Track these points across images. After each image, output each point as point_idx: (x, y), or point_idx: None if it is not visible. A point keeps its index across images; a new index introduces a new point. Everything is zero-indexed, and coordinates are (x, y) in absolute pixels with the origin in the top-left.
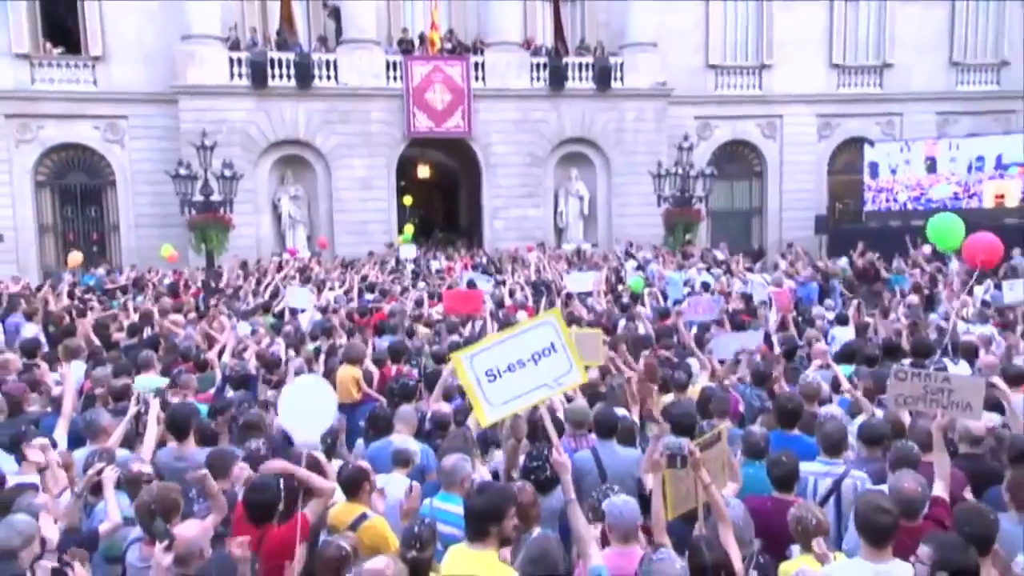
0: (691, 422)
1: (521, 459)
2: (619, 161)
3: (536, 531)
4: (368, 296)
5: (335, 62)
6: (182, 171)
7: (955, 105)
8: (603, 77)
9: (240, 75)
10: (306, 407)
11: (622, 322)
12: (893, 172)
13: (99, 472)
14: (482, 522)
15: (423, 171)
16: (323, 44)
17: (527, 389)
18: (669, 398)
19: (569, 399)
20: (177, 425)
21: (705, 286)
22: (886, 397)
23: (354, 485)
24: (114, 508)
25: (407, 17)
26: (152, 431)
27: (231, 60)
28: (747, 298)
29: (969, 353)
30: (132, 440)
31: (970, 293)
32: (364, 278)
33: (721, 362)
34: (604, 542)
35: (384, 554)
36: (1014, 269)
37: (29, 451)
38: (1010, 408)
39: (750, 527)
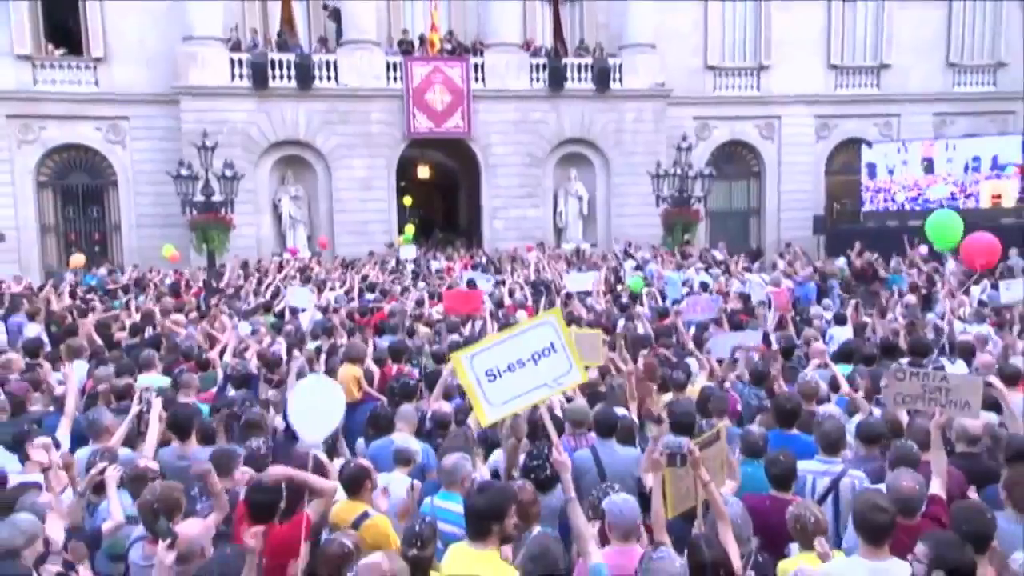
0: (691, 421)
1: (521, 458)
2: (618, 161)
3: (536, 529)
4: (368, 296)
5: (335, 63)
6: (183, 171)
7: (952, 106)
8: (602, 78)
9: (241, 76)
10: (315, 407)
11: (621, 322)
12: (891, 173)
13: (102, 471)
14: (483, 521)
15: (423, 171)
16: (323, 45)
17: (527, 389)
18: (668, 397)
19: (569, 399)
20: (179, 424)
21: (704, 286)
22: (884, 396)
23: (356, 483)
24: (117, 507)
25: (407, 18)
26: (154, 430)
27: (232, 61)
28: (745, 298)
29: (966, 352)
30: (134, 440)
31: (967, 293)
32: (364, 278)
33: (719, 361)
34: (604, 540)
35: (384, 550)
36: (1010, 269)
37: (32, 451)
38: (1007, 407)
39: (748, 525)
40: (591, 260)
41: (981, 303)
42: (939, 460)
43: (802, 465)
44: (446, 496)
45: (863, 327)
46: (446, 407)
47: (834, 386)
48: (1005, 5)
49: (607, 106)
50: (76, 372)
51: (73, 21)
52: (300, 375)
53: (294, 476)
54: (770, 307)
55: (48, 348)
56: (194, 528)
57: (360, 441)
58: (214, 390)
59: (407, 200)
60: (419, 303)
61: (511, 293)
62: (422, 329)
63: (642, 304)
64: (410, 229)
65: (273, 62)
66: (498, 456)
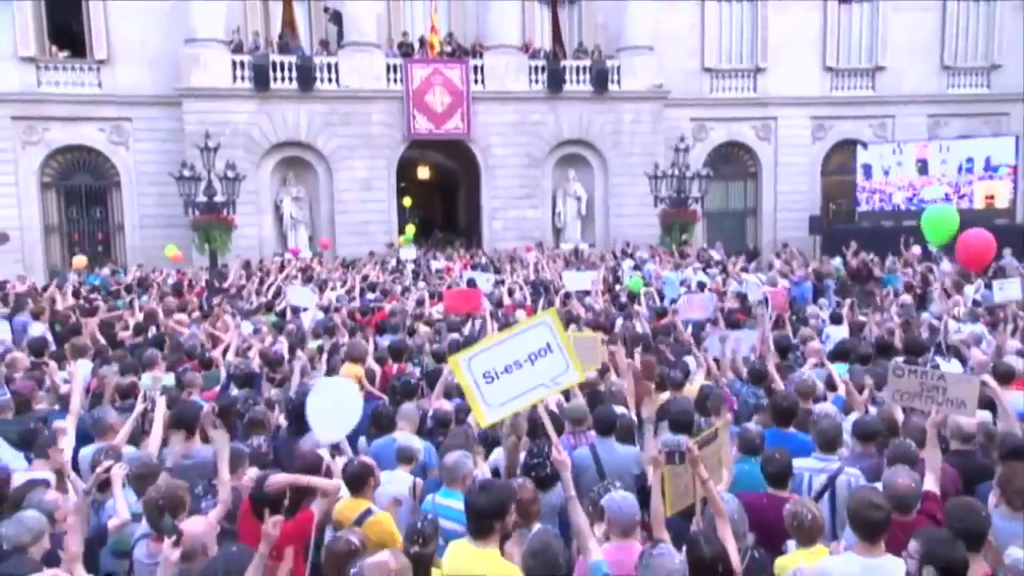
0: (689, 419)
1: (522, 456)
2: (616, 162)
3: (536, 527)
4: (369, 295)
5: (336, 65)
6: (186, 172)
7: (946, 108)
8: (600, 80)
9: (243, 78)
10: (333, 408)
11: (620, 321)
12: (886, 173)
13: (107, 469)
14: (484, 519)
15: (423, 172)
16: (324, 47)
17: (524, 389)
18: (666, 396)
19: (568, 398)
20: (183, 423)
21: (701, 286)
22: (883, 394)
23: (359, 481)
24: (123, 504)
25: (407, 20)
26: (158, 428)
27: (234, 63)
28: (742, 297)
29: (958, 352)
30: (138, 438)
31: (960, 292)
32: (365, 278)
33: (716, 360)
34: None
35: (388, 548)
36: (1003, 269)
37: (53, 453)
38: (1001, 406)
39: (744, 521)
40: (589, 260)
41: (975, 302)
42: (934, 457)
43: (799, 463)
44: (447, 494)
45: (859, 326)
46: (447, 405)
47: (830, 385)
48: (998, 8)
49: (605, 107)
50: (80, 371)
51: (76, 23)
52: (303, 373)
53: (296, 482)
54: (767, 307)
55: (53, 347)
56: (198, 526)
57: (362, 439)
58: (217, 389)
59: (407, 201)
60: (419, 303)
61: (510, 293)
62: (423, 328)
63: (640, 304)
64: (411, 229)
65: (274, 64)
66: (499, 454)
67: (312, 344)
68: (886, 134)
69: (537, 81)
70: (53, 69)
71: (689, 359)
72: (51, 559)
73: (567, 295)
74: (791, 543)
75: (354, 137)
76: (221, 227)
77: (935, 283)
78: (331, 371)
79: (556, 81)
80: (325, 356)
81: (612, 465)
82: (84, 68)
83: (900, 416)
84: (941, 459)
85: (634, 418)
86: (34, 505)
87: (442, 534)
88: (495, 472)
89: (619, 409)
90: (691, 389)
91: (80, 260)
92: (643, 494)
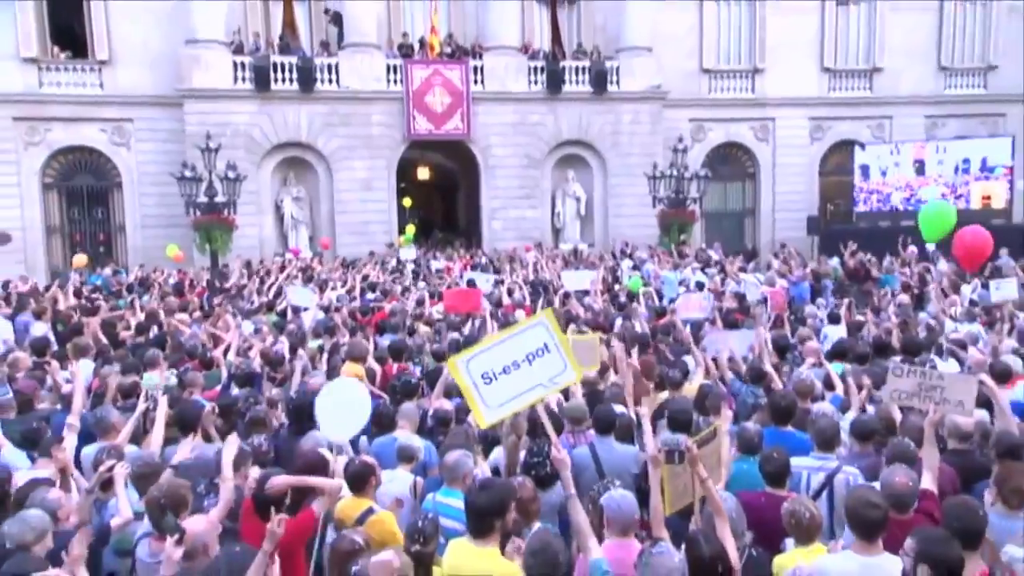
0: (687, 418)
1: (521, 455)
2: (615, 163)
3: (536, 525)
4: (370, 295)
5: (336, 66)
6: (187, 173)
7: (943, 109)
8: (599, 81)
9: (244, 79)
10: (342, 408)
11: (619, 321)
12: (883, 174)
13: (110, 468)
14: (484, 518)
15: (423, 173)
16: (325, 48)
17: (523, 390)
18: (665, 395)
19: (567, 397)
20: (185, 422)
21: (700, 286)
22: (878, 394)
23: (361, 480)
24: (125, 503)
25: (407, 21)
26: (160, 427)
27: (235, 64)
28: (740, 297)
29: (955, 352)
30: (139, 437)
31: (957, 292)
32: (365, 277)
33: (714, 359)
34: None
35: (391, 547)
36: (998, 269)
37: (57, 452)
38: (998, 405)
39: (742, 519)
40: (588, 260)
41: (972, 302)
42: (931, 456)
43: (797, 461)
44: (448, 492)
45: (857, 326)
46: (447, 405)
47: (828, 384)
48: (995, 9)
49: (604, 108)
50: (82, 371)
51: (78, 24)
52: (304, 373)
53: (297, 483)
54: (767, 307)
55: (55, 347)
56: (200, 524)
57: (363, 438)
58: (218, 388)
59: (407, 201)
60: (419, 302)
61: (510, 292)
62: (423, 328)
63: (639, 303)
64: (411, 229)
65: (275, 65)
66: (499, 453)
67: (312, 344)
68: (884, 135)
69: (536, 82)
70: (55, 70)
71: (688, 358)
72: (54, 558)
73: (566, 295)
74: (789, 542)
75: (354, 138)
76: (222, 227)
77: (932, 283)
78: (332, 370)
79: (555, 82)
80: (326, 356)
81: (611, 464)
82: (86, 69)
83: (898, 415)
84: (939, 458)
85: (633, 417)
86: (37, 504)
87: (443, 533)
88: (495, 471)
89: (618, 408)
90: (690, 388)
91: (80, 259)
92: (641, 493)
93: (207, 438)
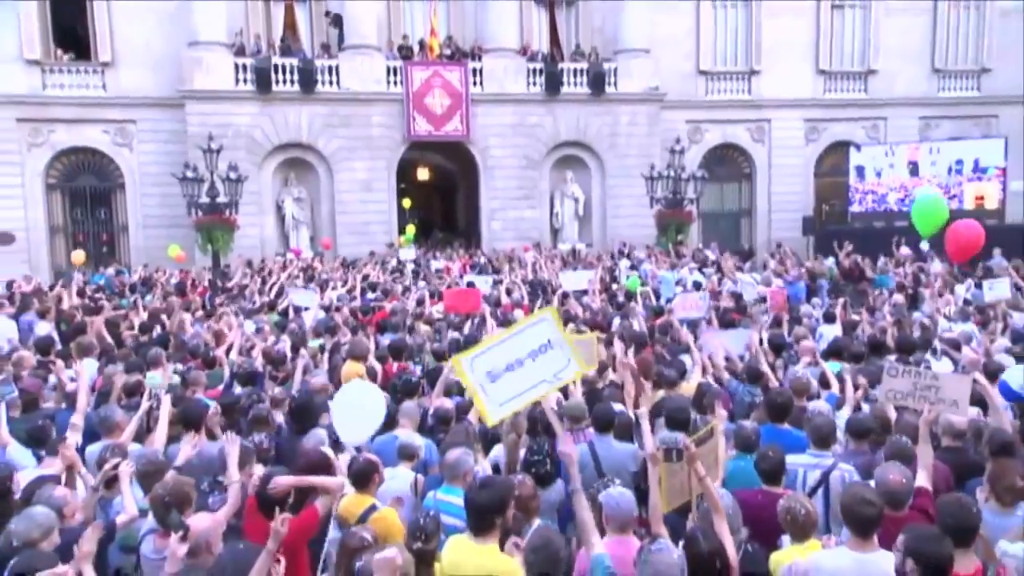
0: (685, 417)
1: (521, 453)
2: (613, 164)
3: (536, 523)
4: (370, 295)
5: (337, 67)
6: (189, 174)
7: (937, 110)
8: (597, 82)
9: (245, 80)
10: (357, 410)
11: (616, 320)
12: (878, 175)
13: (115, 466)
14: (484, 515)
15: (422, 173)
16: (326, 50)
17: (528, 386)
18: (661, 394)
19: (566, 396)
20: (188, 420)
21: (697, 285)
22: (874, 392)
23: (364, 477)
24: (131, 501)
25: (407, 24)
26: (163, 426)
27: (236, 66)
28: (737, 297)
29: (948, 352)
30: (143, 435)
31: (951, 292)
32: (366, 277)
33: (710, 358)
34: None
35: (393, 544)
36: (989, 269)
37: (64, 450)
38: (992, 404)
39: (738, 516)
40: (587, 260)
41: (966, 302)
42: (926, 454)
43: (794, 459)
44: (449, 490)
45: (852, 325)
46: (447, 403)
47: (824, 383)
48: (988, 12)
49: (602, 110)
50: (86, 370)
51: (81, 26)
52: (305, 372)
53: (299, 483)
54: (765, 306)
55: (59, 346)
56: (204, 522)
57: None
58: (221, 387)
59: (407, 202)
60: (420, 302)
61: (508, 292)
62: (423, 327)
63: (637, 303)
64: (411, 230)
65: (276, 67)
66: (499, 451)
67: (314, 343)
68: (878, 136)
69: (535, 83)
70: (58, 72)
71: (685, 357)
72: (61, 555)
73: (564, 295)
74: (785, 538)
75: (355, 139)
76: (224, 227)
77: (927, 283)
78: (333, 369)
79: (554, 83)
80: (327, 355)
81: (610, 462)
82: (88, 71)
83: (893, 414)
84: (933, 455)
85: (632, 415)
86: (43, 501)
87: (443, 530)
88: (495, 469)
89: (617, 407)
90: (688, 387)
91: (78, 255)
92: (640, 491)
93: (211, 436)
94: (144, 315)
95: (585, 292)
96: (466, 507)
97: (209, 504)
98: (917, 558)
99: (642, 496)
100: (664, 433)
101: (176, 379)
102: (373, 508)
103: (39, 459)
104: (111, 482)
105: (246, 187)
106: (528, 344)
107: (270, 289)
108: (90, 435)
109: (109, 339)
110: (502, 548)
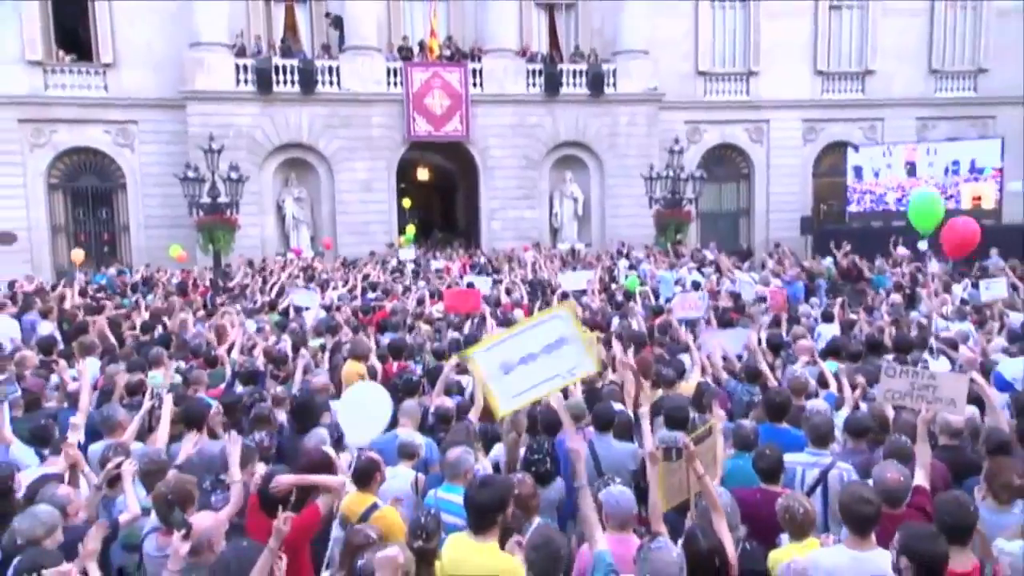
0: (684, 416)
1: (521, 452)
2: (612, 164)
3: (536, 521)
4: (370, 295)
5: (337, 68)
6: (190, 174)
7: (934, 111)
8: (596, 83)
9: (246, 81)
10: (363, 411)
11: (616, 320)
12: (876, 175)
13: (118, 465)
14: (484, 514)
15: (422, 174)
16: (326, 51)
17: (541, 380)
18: (660, 393)
19: (566, 395)
20: (190, 419)
21: (696, 285)
22: (872, 391)
23: (366, 476)
24: (133, 500)
25: (407, 25)
26: (165, 425)
27: (237, 67)
28: (735, 296)
29: (946, 351)
30: (145, 434)
31: (948, 291)
32: (366, 277)
33: (708, 358)
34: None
35: (395, 542)
36: (986, 269)
37: (67, 448)
38: (989, 402)
39: (736, 514)
40: (586, 260)
41: (963, 301)
42: (923, 453)
43: (792, 457)
44: (449, 488)
45: (850, 324)
46: (448, 402)
47: (822, 382)
48: (985, 12)
49: (601, 110)
50: (89, 369)
51: (82, 27)
52: (306, 371)
53: (301, 482)
54: (764, 306)
55: (61, 346)
56: (206, 520)
57: None
58: (222, 386)
59: (407, 202)
60: (420, 302)
61: (508, 292)
62: (423, 327)
63: (636, 303)
64: (411, 230)
65: (277, 67)
66: (499, 450)
67: (314, 342)
68: (876, 136)
69: (534, 84)
70: (60, 72)
71: (684, 357)
72: (65, 553)
73: (564, 295)
74: (784, 536)
75: (355, 139)
76: (225, 227)
77: (927, 283)
78: (334, 369)
79: (553, 84)
80: (327, 354)
81: (609, 461)
82: (90, 71)
83: (890, 413)
84: (931, 454)
85: (631, 415)
86: (47, 500)
87: (444, 528)
88: (495, 467)
89: (616, 406)
90: (687, 387)
91: (77, 254)
92: (639, 489)
93: (213, 435)
94: (146, 315)
95: (584, 292)
96: (466, 505)
97: (212, 503)
98: (911, 556)
99: (642, 494)
100: (663, 432)
101: (178, 378)
102: (375, 507)
103: (42, 458)
104: (114, 481)
105: (247, 187)
106: (541, 339)
107: (271, 289)
108: (92, 434)
109: (111, 338)
110: (502, 546)
